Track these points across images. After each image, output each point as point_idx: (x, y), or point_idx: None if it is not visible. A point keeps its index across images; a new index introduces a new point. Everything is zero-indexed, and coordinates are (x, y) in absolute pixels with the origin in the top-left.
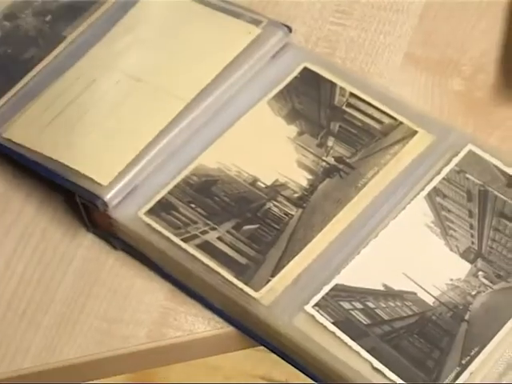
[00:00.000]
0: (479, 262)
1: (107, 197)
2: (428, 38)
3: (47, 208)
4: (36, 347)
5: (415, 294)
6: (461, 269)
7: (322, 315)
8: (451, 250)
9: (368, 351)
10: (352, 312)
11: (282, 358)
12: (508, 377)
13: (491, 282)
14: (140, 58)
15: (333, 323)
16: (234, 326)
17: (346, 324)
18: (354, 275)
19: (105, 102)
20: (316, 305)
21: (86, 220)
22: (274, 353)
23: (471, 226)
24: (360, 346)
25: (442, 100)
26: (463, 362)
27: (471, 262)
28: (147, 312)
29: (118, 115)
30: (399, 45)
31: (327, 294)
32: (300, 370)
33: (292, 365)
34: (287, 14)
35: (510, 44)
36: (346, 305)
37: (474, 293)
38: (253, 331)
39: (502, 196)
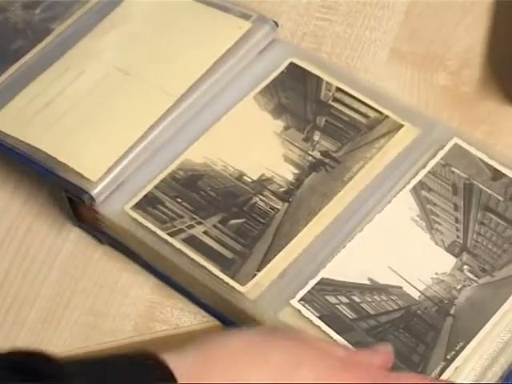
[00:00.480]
0: (464, 256)
1: (94, 192)
2: (414, 34)
3: (34, 202)
4: (22, 342)
5: (401, 288)
6: (446, 263)
7: (307, 309)
8: (436, 243)
9: (353, 345)
10: (338, 306)
11: None
12: (492, 370)
13: (476, 276)
14: (129, 51)
15: (319, 317)
16: (220, 320)
17: (331, 318)
18: (339, 269)
19: (94, 95)
20: (302, 299)
21: (72, 214)
22: None
23: (456, 220)
24: (346, 340)
25: (428, 94)
26: (448, 356)
27: (456, 255)
28: (133, 306)
29: (106, 108)
30: (385, 40)
31: (313, 288)
32: None
33: None
34: (273, 9)
35: (494, 39)
36: (332, 299)
37: (459, 287)
38: (239, 325)
39: (487, 189)
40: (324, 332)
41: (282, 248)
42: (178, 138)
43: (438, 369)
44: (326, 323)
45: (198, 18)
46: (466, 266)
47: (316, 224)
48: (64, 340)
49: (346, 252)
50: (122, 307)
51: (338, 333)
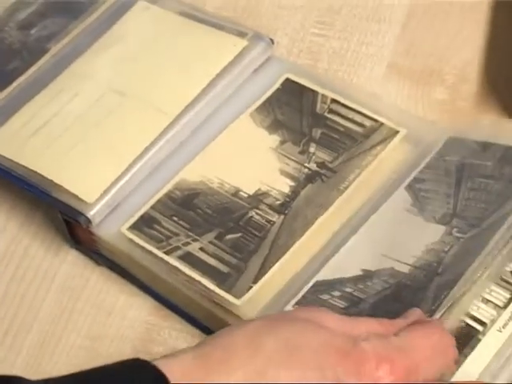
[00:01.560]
0: (454, 221)
1: (91, 213)
2: (410, 48)
3: (30, 224)
4: (19, 366)
5: (392, 268)
6: (436, 232)
7: None
8: (427, 220)
9: None
10: (330, 300)
11: None
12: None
13: (464, 234)
14: (124, 71)
15: None
16: None
17: None
18: (333, 270)
19: (89, 116)
20: (296, 304)
21: (69, 236)
22: None
23: (448, 196)
24: None
25: (425, 110)
26: (433, 307)
27: (446, 223)
28: (131, 328)
29: (102, 130)
30: (382, 55)
31: (307, 291)
32: None
33: None
34: (269, 25)
35: (492, 53)
36: (325, 296)
37: (447, 249)
38: None
39: (477, 161)
40: None
41: (278, 260)
42: (174, 157)
43: None
44: None
45: (192, 36)
46: (455, 229)
47: (312, 234)
48: (62, 363)
49: (340, 254)
50: (120, 329)
51: None
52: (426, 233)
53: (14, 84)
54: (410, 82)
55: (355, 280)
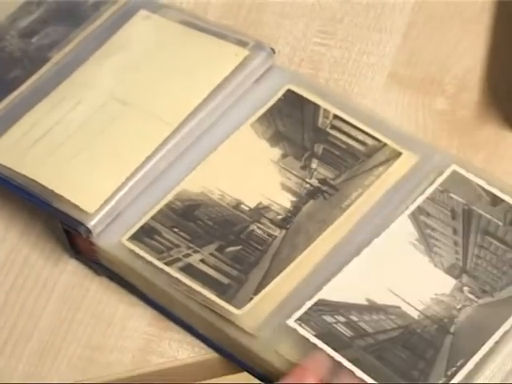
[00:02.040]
0: (464, 278)
1: (91, 224)
2: (411, 57)
3: (30, 233)
4: (19, 376)
5: (399, 307)
6: (446, 284)
7: (303, 328)
8: (435, 265)
9: (351, 361)
10: (335, 325)
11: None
12: None
13: (476, 297)
14: (126, 80)
15: (315, 336)
16: (218, 351)
17: (328, 336)
18: (337, 291)
19: (90, 125)
20: (298, 319)
21: (69, 246)
22: (255, 372)
23: (456, 243)
24: (343, 357)
25: (426, 120)
26: (449, 373)
27: (456, 277)
28: (131, 338)
29: (103, 139)
30: (382, 64)
31: (310, 308)
32: None
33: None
34: (270, 34)
35: (493, 62)
36: (329, 318)
37: (459, 307)
38: (236, 355)
39: (486, 214)
40: (321, 349)
41: (279, 273)
42: (175, 167)
43: None
44: (322, 341)
45: (194, 45)
46: (465, 288)
47: (314, 250)
48: (61, 374)
49: (343, 274)
50: (120, 340)
51: (335, 350)
52: (434, 280)
53: (15, 93)
54: (410, 92)
55: (360, 309)
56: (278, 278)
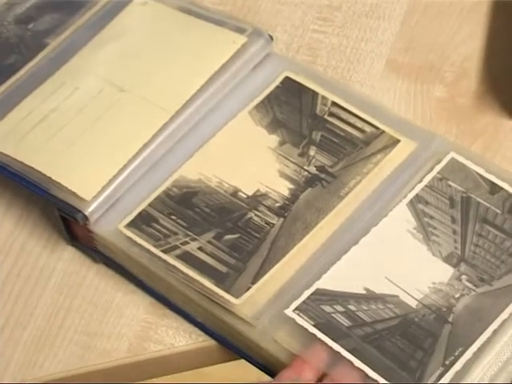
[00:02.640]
0: (462, 266)
1: (88, 210)
2: (410, 45)
3: (27, 220)
4: (15, 363)
5: (397, 296)
6: (444, 273)
7: (302, 318)
8: (434, 254)
9: (349, 351)
10: (333, 315)
11: (258, 363)
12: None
13: (475, 286)
14: (123, 67)
15: (313, 325)
16: (215, 339)
17: (326, 326)
18: (335, 280)
19: (87, 112)
20: (296, 308)
21: (66, 233)
22: (253, 361)
23: (454, 232)
24: (342, 346)
25: (425, 107)
26: (447, 362)
27: (454, 266)
28: (128, 325)
29: (101, 125)
30: (381, 51)
31: (308, 298)
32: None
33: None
34: (268, 21)
35: (492, 50)
36: (327, 308)
37: (457, 295)
38: (234, 343)
39: (484, 202)
40: (319, 340)
41: (277, 262)
42: (172, 154)
43: (437, 374)
44: (321, 331)
45: (192, 32)
46: (464, 276)
47: (312, 238)
48: (58, 361)
49: (341, 263)
50: (117, 327)
51: (333, 340)
52: (432, 269)
53: (12, 79)
54: (408, 79)
55: (358, 298)
56: (276, 266)
